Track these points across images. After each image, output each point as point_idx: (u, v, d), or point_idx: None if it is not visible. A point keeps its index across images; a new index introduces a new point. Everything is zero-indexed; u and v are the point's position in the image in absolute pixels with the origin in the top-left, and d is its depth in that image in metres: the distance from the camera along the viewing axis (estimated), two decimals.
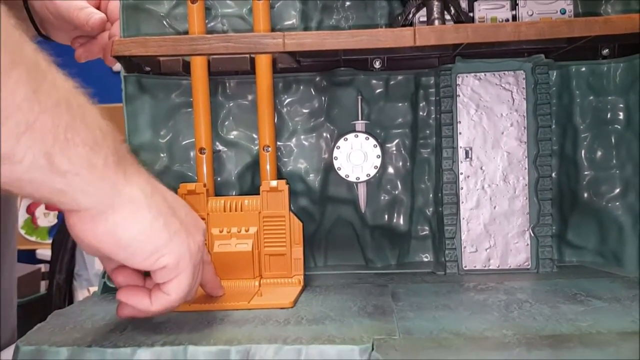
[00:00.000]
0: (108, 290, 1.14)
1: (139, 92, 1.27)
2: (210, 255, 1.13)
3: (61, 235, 2.99)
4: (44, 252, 3.35)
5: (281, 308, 0.98)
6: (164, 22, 1.32)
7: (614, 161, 1.28)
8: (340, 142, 1.30)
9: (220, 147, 1.35)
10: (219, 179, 1.33)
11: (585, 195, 1.31)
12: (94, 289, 1.26)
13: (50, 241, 3.24)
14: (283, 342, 0.79)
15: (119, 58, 1.17)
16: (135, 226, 0.64)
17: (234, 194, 1.34)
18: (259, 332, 0.84)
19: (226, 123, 1.35)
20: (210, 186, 1.23)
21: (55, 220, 3.61)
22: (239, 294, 1.06)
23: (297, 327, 0.86)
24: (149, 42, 1.10)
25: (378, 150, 1.29)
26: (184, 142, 1.33)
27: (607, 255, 1.29)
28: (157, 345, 0.78)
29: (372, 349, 0.76)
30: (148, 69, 1.28)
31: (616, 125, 1.27)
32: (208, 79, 1.25)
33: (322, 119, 1.35)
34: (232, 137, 1.35)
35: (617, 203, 1.27)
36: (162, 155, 1.31)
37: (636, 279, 1.13)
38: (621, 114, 1.26)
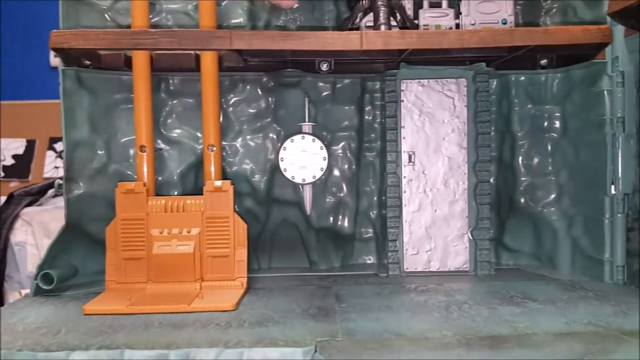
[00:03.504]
0: (40, 292, 1.10)
1: (77, 87, 1.23)
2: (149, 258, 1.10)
3: None
4: None
5: (223, 311, 0.97)
6: (106, 16, 1.28)
7: (550, 168, 1.33)
8: (287, 143, 1.30)
9: (162, 146, 1.32)
10: (160, 178, 1.30)
11: (522, 200, 1.36)
12: (25, 291, 1.21)
13: None
14: (224, 345, 0.78)
15: (57, 50, 1.12)
16: None
17: (175, 194, 1.31)
18: (199, 336, 0.83)
19: (169, 121, 1.32)
20: (151, 185, 1.20)
21: None
22: (179, 296, 1.04)
23: (239, 330, 0.85)
24: (89, 35, 1.06)
25: (324, 153, 1.30)
26: (123, 140, 1.29)
27: (542, 258, 1.34)
28: (92, 349, 0.76)
29: (315, 350, 0.76)
30: (88, 63, 1.23)
31: (552, 134, 1.32)
32: (150, 74, 1.22)
33: (269, 119, 1.35)
34: (175, 135, 1.32)
35: (552, 208, 1.32)
36: (100, 152, 1.27)
37: (569, 281, 1.18)
38: (557, 122, 1.31)
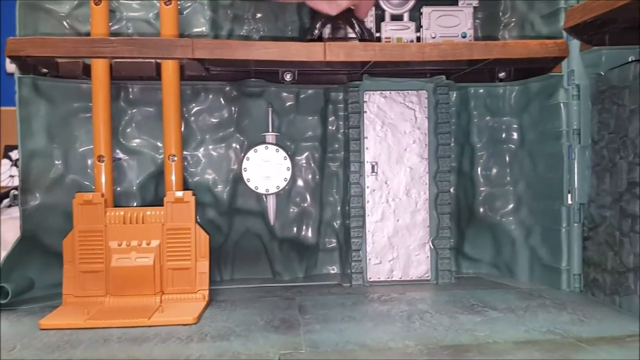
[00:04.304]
0: None
1: (34, 95, 1.20)
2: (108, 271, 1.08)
3: None
4: None
5: (184, 325, 0.95)
6: (65, 23, 1.26)
7: (508, 178, 1.36)
8: (250, 154, 1.29)
9: (121, 155, 1.30)
10: (118, 188, 1.28)
11: (481, 210, 1.38)
12: None
13: None
14: None
15: (13, 58, 1.09)
16: None
17: (135, 205, 1.29)
18: (159, 351, 0.81)
19: (128, 130, 1.30)
20: (109, 196, 1.18)
21: None
22: (138, 310, 1.02)
23: (200, 344, 0.84)
24: (47, 42, 1.04)
25: (288, 163, 1.30)
26: (81, 149, 1.26)
27: (501, 267, 1.36)
28: None
29: None
30: (45, 70, 1.21)
31: (510, 145, 1.35)
32: (110, 83, 1.20)
33: (232, 129, 1.34)
34: (134, 144, 1.30)
35: (511, 218, 1.35)
36: (57, 162, 1.24)
37: (528, 290, 1.20)
38: (515, 134, 1.34)
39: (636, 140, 0.99)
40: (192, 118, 1.32)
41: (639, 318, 0.95)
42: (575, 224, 1.16)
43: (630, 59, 1.07)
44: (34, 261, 1.16)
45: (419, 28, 1.29)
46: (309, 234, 1.37)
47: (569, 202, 1.16)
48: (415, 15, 1.30)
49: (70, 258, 1.10)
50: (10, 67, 1.16)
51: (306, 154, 1.37)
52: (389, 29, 1.28)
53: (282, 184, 1.29)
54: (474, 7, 1.29)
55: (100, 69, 1.18)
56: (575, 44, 1.14)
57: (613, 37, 1.08)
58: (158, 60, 1.21)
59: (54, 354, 0.78)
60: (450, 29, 1.28)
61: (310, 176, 1.37)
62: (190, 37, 1.28)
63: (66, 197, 1.18)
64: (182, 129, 1.26)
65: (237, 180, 1.32)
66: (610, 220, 1.06)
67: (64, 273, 1.10)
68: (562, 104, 1.17)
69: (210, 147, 1.33)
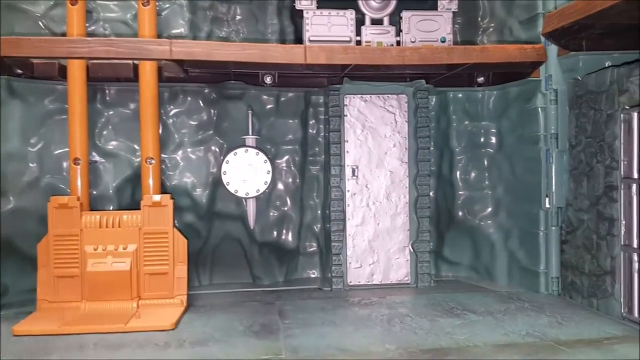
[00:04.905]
0: None
1: (8, 96, 1.17)
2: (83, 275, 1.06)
3: None
4: None
5: (162, 330, 0.94)
6: (40, 23, 1.24)
7: (487, 182, 1.37)
8: (230, 157, 1.28)
9: (97, 158, 1.28)
10: (95, 192, 1.26)
11: (460, 213, 1.39)
12: None
13: None
14: None
15: None
16: None
17: (111, 208, 1.27)
18: (136, 357, 0.80)
19: (105, 132, 1.28)
20: (85, 200, 1.16)
21: None
22: (115, 315, 1.00)
23: (178, 350, 0.83)
24: (22, 43, 1.02)
25: (268, 166, 1.29)
26: (56, 152, 1.24)
27: (480, 270, 1.37)
28: None
29: None
30: (20, 71, 1.18)
31: (489, 149, 1.36)
32: (86, 84, 1.18)
33: (211, 132, 1.33)
34: (111, 147, 1.29)
35: (489, 221, 1.36)
36: (31, 165, 1.21)
37: (507, 293, 1.21)
38: (494, 138, 1.35)
39: (613, 145, 1.00)
40: (171, 120, 1.31)
41: None
42: (553, 228, 1.17)
43: (606, 65, 1.09)
44: (7, 266, 1.14)
45: (398, 32, 1.29)
46: (289, 237, 1.37)
47: (547, 205, 1.18)
48: (395, 20, 1.30)
49: (45, 263, 1.08)
50: None
51: (286, 157, 1.36)
52: (369, 33, 1.28)
53: (262, 188, 1.28)
54: (453, 12, 1.30)
55: (76, 69, 1.16)
56: (553, 49, 1.16)
57: (590, 42, 1.09)
58: (135, 62, 1.20)
59: None
60: (429, 34, 1.29)
61: (290, 180, 1.37)
62: (169, 38, 1.26)
63: (41, 201, 1.16)
64: (160, 131, 1.25)
65: (217, 184, 1.31)
66: (587, 223, 1.07)
67: (39, 278, 1.08)
68: (540, 109, 1.18)
69: (189, 150, 1.32)
